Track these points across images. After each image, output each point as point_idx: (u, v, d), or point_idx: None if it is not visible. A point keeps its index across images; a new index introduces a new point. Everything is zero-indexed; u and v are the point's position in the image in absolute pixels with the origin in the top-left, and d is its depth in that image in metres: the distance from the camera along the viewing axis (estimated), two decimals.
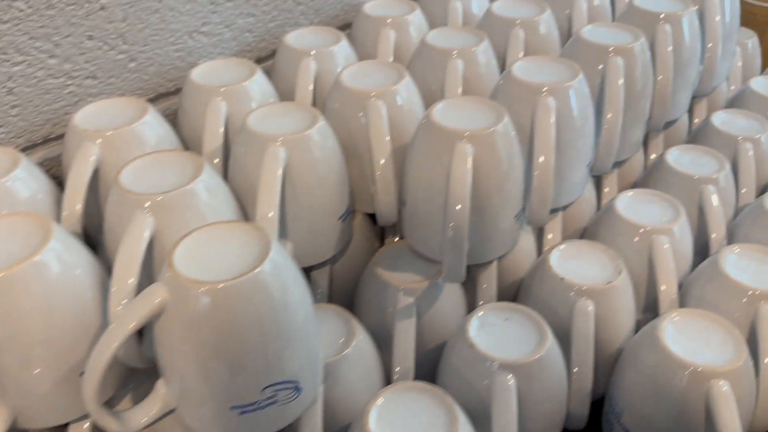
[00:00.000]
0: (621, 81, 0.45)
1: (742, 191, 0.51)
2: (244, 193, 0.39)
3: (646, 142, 0.57)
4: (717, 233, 0.47)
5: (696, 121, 0.62)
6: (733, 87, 0.65)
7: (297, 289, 0.31)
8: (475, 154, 0.37)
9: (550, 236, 0.49)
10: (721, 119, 0.55)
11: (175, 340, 0.30)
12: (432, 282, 0.42)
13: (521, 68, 0.44)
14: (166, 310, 0.29)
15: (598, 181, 0.54)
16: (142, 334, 0.33)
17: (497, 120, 0.39)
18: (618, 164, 0.54)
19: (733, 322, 0.38)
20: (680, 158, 0.51)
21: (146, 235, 0.33)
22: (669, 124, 0.58)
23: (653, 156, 0.58)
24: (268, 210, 0.36)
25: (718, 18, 0.54)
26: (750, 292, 0.39)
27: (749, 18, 0.71)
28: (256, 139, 0.38)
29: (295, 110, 0.41)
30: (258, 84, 0.46)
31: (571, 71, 0.43)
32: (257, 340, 0.29)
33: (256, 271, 0.28)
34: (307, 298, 0.32)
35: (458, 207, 0.36)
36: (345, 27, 0.58)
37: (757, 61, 0.67)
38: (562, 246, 0.43)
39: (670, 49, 0.49)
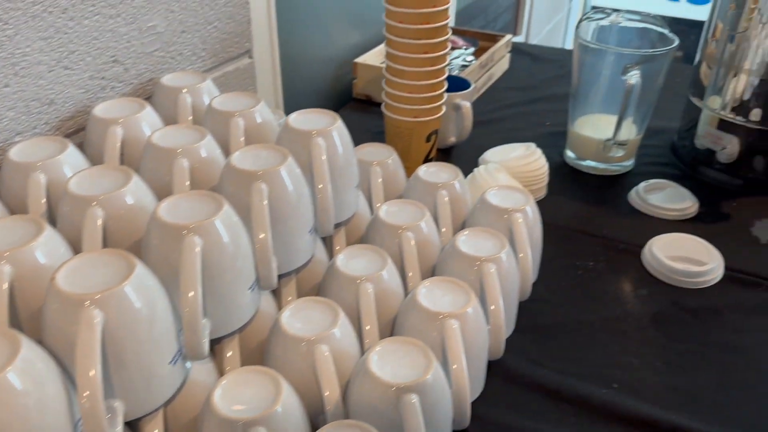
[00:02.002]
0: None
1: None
2: None
3: None
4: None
5: (338, 248, 0.61)
6: (378, 204, 0.64)
7: None
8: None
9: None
10: (342, 260, 0.55)
11: None
12: None
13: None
14: None
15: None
16: None
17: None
18: None
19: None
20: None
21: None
22: None
23: None
24: None
25: (323, 157, 0.54)
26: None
27: (395, 131, 0.80)
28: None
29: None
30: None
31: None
32: None
33: None
34: None
35: None
36: None
37: (400, 173, 0.69)
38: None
39: (265, 202, 0.48)
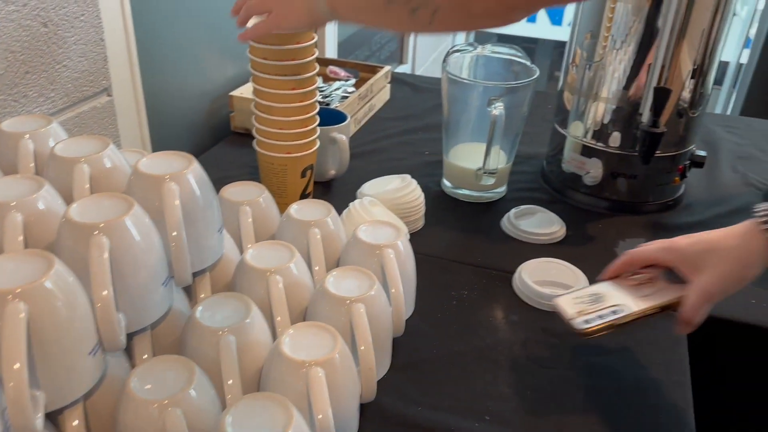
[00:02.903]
0: None
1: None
2: None
3: None
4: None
5: (202, 296, 0.57)
6: (249, 246, 0.61)
7: None
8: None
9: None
10: (200, 311, 0.52)
11: None
12: None
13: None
14: None
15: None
16: None
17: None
18: None
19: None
20: None
21: None
22: None
23: None
24: None
25: (176, 203, 0.51)
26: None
27: (269, 168, 0.78)
28: None
29: None
30: None
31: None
32: None
33: None
34: None
35: None
36: None
37: (273, 212, 0.67)
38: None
39: (105, 256, 0.44)
